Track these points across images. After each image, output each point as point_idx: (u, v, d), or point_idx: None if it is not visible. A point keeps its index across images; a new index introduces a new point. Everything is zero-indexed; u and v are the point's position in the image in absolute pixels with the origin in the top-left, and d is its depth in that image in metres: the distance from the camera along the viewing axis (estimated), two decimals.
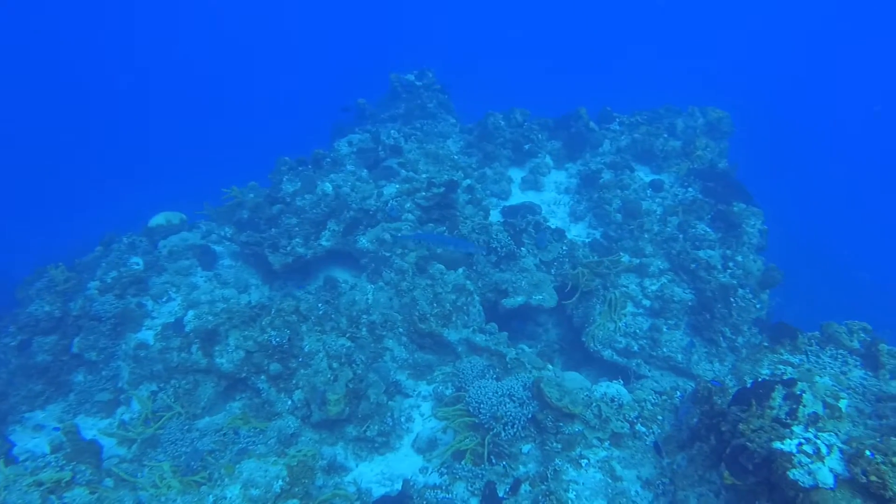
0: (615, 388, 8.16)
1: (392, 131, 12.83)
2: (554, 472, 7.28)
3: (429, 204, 10.71)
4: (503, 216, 11.87)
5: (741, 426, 5.89)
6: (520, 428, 7.82)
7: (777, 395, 6.09)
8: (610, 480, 7.34)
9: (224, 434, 8.11)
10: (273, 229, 11.49)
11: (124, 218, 14.44)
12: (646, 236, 11.31)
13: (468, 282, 10.03)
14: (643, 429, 7.86)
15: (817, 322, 8.62)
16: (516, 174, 13.07)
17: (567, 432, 7.75)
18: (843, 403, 6.16)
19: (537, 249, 10.82)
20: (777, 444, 5.39)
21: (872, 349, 7.94)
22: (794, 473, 5.18)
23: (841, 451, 5.29)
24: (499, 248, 10.42)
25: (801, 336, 8.24)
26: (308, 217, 11.19)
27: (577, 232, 12.07)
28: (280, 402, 8.65)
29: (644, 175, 12.96)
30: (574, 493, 7.11)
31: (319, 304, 9.83)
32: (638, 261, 10.99)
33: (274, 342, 8.71)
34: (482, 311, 10.16)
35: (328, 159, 12.38)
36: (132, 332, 9.79)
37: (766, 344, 8.58)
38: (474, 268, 10.52)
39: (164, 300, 10.44)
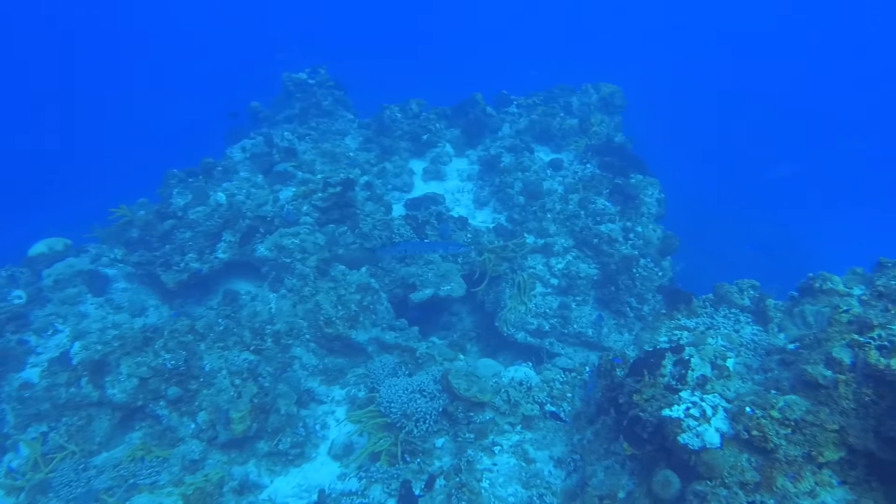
0: (523, 371, 8.23)
1: (286, 133, 12.48)
2: (467, 462, 7.26)
3: (326, 205, 10.48)
4: (407, 209, 11.76)
5: (635, 397, 6.02)
6: (432, 422, 7.76)
7: (667, 363, 6.26)
8: (524, 464, 7.40)
9: (122, 469, 7.68)
10: (168, 246, 10.98)
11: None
12: (549, 216, 11.45)
13: (373, 280, 9.89)
14: (553, 408, 7.96)
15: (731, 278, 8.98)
16: (418, 166, 12.98)
17: (478, 421, 7.75)
18: (730, 362, 6.40)
19: (442, 240, 10.77)
20: (666, 412, 5.54)
21: (761, 305, 8.30)
22: (684, 438, 5.34)
23: (725, 410, 5.49)
24: (402, 243, 10.31)
25: (695, 300, 8.53)
26: (202, 230, 10.75)
27: (483, 218, 12.11)
28: (183, 427, 8.27)
29: (544, 155, 13.14)
30: (488, 481, 7.13)
31: (220, 320, 9.45)
32: (543, 241, 11.12)
33: (169, 365, 8.31)
34: (391, 308, 10.05)
35: (219, 168, 11.92)
36: (14, 371, 9.12)
37: (663, 311, 8.83)
38: (380, 265, 10.38)
39: (49, 334, 9.77)
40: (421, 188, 12.62)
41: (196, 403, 8.41)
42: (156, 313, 11.01)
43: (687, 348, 6.34)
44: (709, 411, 5.42)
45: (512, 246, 10.73)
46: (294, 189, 10.98)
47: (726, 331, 7.94)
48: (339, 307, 9.41)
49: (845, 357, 5.13)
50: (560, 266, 10.91)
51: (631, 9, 66.29)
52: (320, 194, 10.49)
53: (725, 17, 65.16)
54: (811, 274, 7.76)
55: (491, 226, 11.51)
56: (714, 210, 34.78)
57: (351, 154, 11.66)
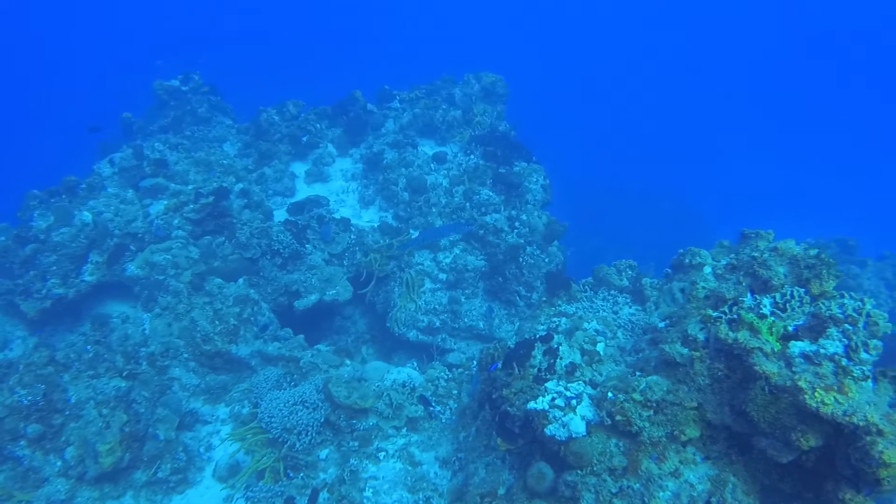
0: (406, 372, 8.22)
1: (156, 143, 11.90)
2: (351, 473, 7.20)
3: (200, 216, 10.09)
4: (289, 214, 11.49)
5: (504, 391, 6.09)
6: (314, 434, 7.64)
7: (537, 353, 6.37)
8: (409, 468, 7.39)
9: None
10: (31, 272, 10.27)
11: None
12: (434, 210, 11.47)
13: (252, 291, 9.62)
14: (438, 408, 7.98)
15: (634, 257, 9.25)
16: (300, 168, 12.71)
17: (362, 428, 7.69)
18: (600, 347, 6.57)
19: (324, 243, 10.59)
20: (532, 405, 5.62)
21: (638, 285, 8.61)
22: (550, 429, 5.43)
23: (590, 397, 5.62)
24: (282, 250, 10.06)
25: (574, 284, 8.76)
26: (67, 252, 10.11)
27: (370, 217, 12.01)
28: (48, 466, 7.78)
29: (430, 149, 13.14)
30: (371, 490, 7.08)
31: (88, 346, 8.95)
32: None
33: (25, 402, 7.78)
34: (274, 317, 9.80)
35: (83, 185, 11.23)
36: None
37: (544, 299, 9.03)
38: (261, 273, 10.11)
39: None
40: (304, 191, 12.37)
41: (63, 439, 7.92)
42: (21, 346, 10.30)
43: (556, 336, 6.48)
44: (573, 400, 5.53)
45: (397, 244, 10.68)
46: (165, 202, 10.51)
47: (605, 313, 8.19)
48: (217, 322, 9.09)
49: (699, 333, 5.35)
50: (448, 260, 10.95)
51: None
52: (192, 206, 10.08)
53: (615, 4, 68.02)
54: (681, 249, 8.08)
55: (376, 224, 11.42)
56: (617, 190, 36.15)
57: (225, 162, 11.24)
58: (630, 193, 35.04)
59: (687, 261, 7.44)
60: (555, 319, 7.81)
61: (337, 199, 12.27)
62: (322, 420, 7.67)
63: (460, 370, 8.73)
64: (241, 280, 9.71)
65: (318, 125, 13.02)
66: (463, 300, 10.62)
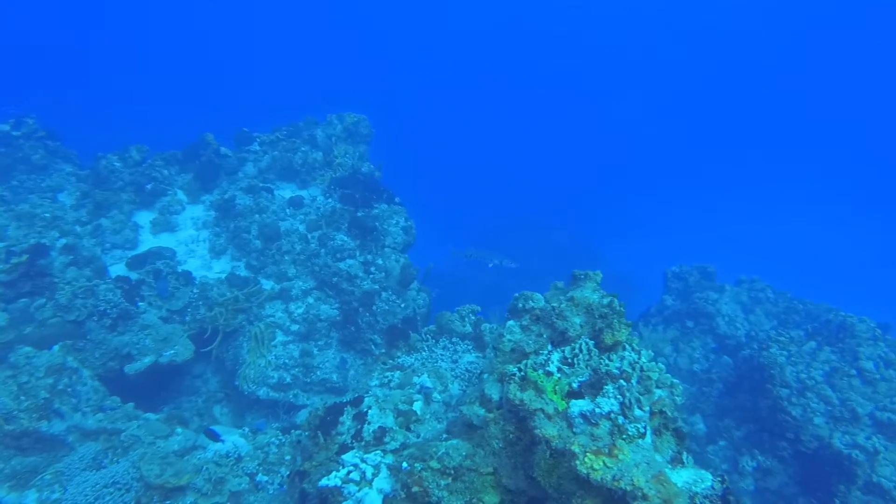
0: (231, 441, 7.61)
1: None
2: None
3: (11, 277, 9.12)
4: (129, 268, 10.65)
5: (306, 464, 5.64)
6: None
7: (346, 418, 5.96)
8: None
9: None
10: None
11: None
12: (287, 258, 10.98)
13: (70, 358, 8.72)
14: (265, 478, 7.40)
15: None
16: (146, 218, 11.87)
17: None
18: (417, 406, 6.23)
19: (161, 300, 9.85)
20: (324, 481, 5.15)
21: (478, 330, 8.40)
22: None
23: (389, 468, 5.22)
24: (109, 310, 9.24)
25: (413, 335, 8.44)
26: None
27: (222, 267, 11.33)
28: None
29: (291, 192, 12.67)
30: None
31: None
32: (279, 286, 10.60)
33: None
34: (100, 385, 8.91)
35: None
36: None
37: (382, 351, 8.68)
38: (88, 337, 9.23)
39: None
40: (150, 242, 11.53)
41: None
42: None
43: (366, 399, 6.10)
44: (369, 472, 5.11)
45: (242, 296, 10.09)
46: None
47: (444, 363, 7.89)
48: (23, 397, 8.14)
49: (494, 393, 5.09)
50: (300, 311, 10.46)
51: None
52: (2, 266, 9.11)
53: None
54: (517, 293, 7.90)
55: (222, 276, 10.77)
56: (515, 224, 36.84)
57: (47, 215, 10.30)
58: (528, 226, 35.75)
59: (521, 305, 7.24)
60: (388, 374, 7.45)
61: (186, 249, 11.52)
62: (132, 503, 6.92)
63: (298, 432, 8.20)
64: (55, 347, 8.80)
65: (166, 171, 12.27)
66: (316, 352, 10.14)
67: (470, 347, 8.33)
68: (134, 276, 10.01)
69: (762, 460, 10.36)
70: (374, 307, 10.38)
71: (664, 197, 51.74)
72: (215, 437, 7.52)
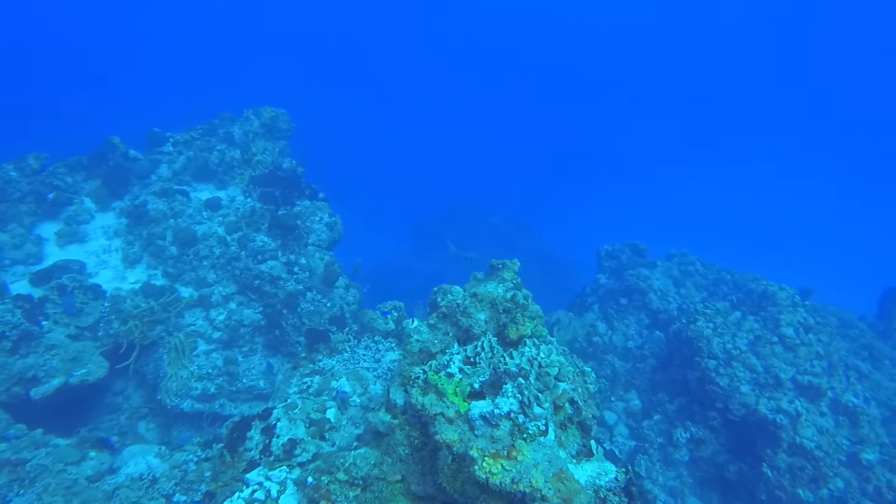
0: (144, 462, 7.26)
1: None
2: None
3: None
4: (32, 285, 10.03)
5: (213, 485, 5.39)
6: None
7: (255, 433, 5.72)
8: None
9: None
10: None
11: None
12: (205, 263, 10.56)
13: None
14: (183, 497, 7.07)
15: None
16: (50, 229, 11.19)
17: None
18: (330, 413, 6.03)
19: (69, 317, 9.33)
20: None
21: (400, 327, 8.22)
22: None
23: (295, 482, 5.02)
24: (8, 332, 8.68)
25: (333, 336, 8.22)
26: None
27: (137, 277, 10.80)
28: None
29: (209, 194, 12.17)
30: None
31: None
32: (198, 293, 10.19)
33: None
34: (2, 413, 8.39)
35: None
36: None
37: (303, 355, 8.43)
38: None
39: None
40: (57, 255, 10.89)
41: None
42: None
43: (275, 410, 5.86)
44: (274, 490, 4.91)
45: (158, 307, 9.64)
46: None
47: (366, 363, 7.71)
48: None
49: (399, 398, 4.93)
50: (221, 317, 10.08)
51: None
52: None
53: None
54: (435, 287, 7.74)
55: (136, 286, 10.27)
56: (453, 212, 36.76)
57: None
58: (466, 213, 35.73)
59: (439, 300, 7.11)
60: (307, 380, 7.23)
61: (98, 260, 10.93)
62: None
63: (221, 445, 7.89)
64: None
65: (70, 179, 11.59)
66: (240, 359, 9.80)
67: (393, 345, 8.17)
68: (38, 293, 9.44)
69: (695, 431, 10.58)
70: (300, 308, 10.09)
71: (601, 177, 52.65)
72: (105, 445, 7.13)
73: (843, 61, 67.09)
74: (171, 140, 13.01)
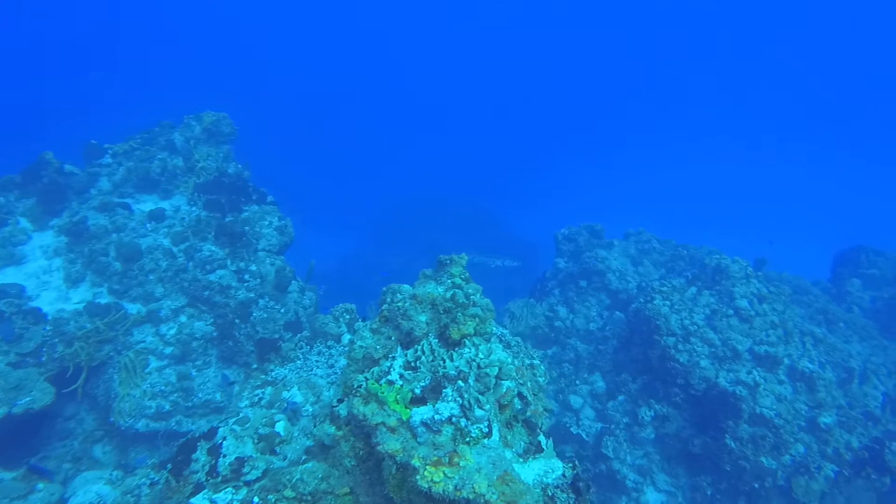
0: (94, 491, 7.05)
1: None
2: None
3: None
4: None
5: None
6: None
7: (200, 454, 5.52)
8: None
9: None
10: None
11: None
12: (152, 277, 10.25)
13: None
14: None
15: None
16: None
17: None
18: (280, 427, 5.86)
19: (6, 344, 8.96)
20: None
21: (353, 330, 8.07)
22: None
23: None
24: None
25: (285, 345, 8.04)
26: None
27: (81, 296, 10.42)
28: None
29: (153, 205, 11.81)
30: None
31: None
32: (146, 308, 9.89)
33: None
34: None
35: None
36: None
37: (255, 366, 8.24)
38: None
39: None
40: None
41: None
42: None
43: (220, 429, 5.68)
44: None
45: (103, 326, 9.33)
46: None
47: (320, 370, 7.56)
48: None
49: (342, 409, 4.80)
50: (172, 332, 9.80)
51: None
52: None
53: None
54: (384, 287, 7.58)
55: (80, 307, 9.92)
56: (417, 204, 36.62)
57: None
58: (429, 204, 35.62)
59: (388, 300, 6.99)
60: (258, 392, 7.07)
61: (38, 281, 10.51)
62: None
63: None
64: None
65: (2, 198, 11.13)
66: (194, 373, 9.54)
67: (346, 350, 8.02)
68: None
69: (658, 408, 10.68)
70: (253, 317, 9.86)
71: (564, 161, 53.06)
72: (42, 474, 6.88)
73: (784, 31, 68.43)
74: (109, 151, 12.58)
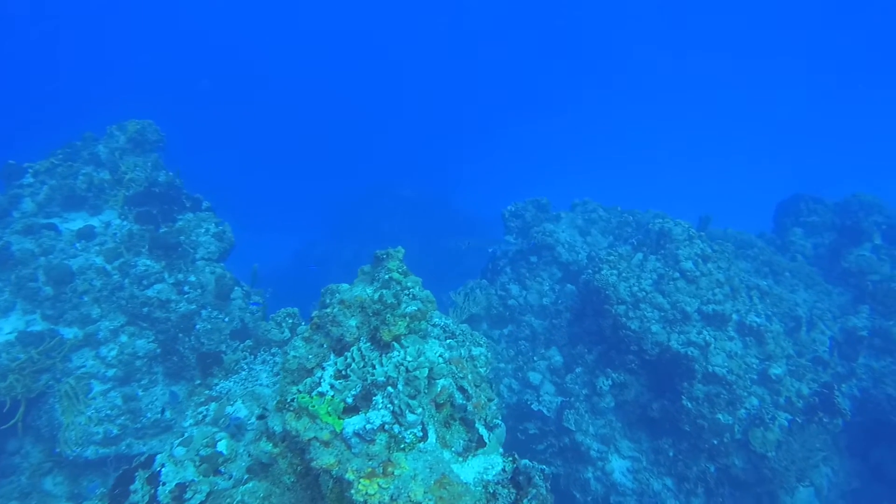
0: None
1: None
2: None
3: None
4: None
5: None
6: None
7: (138, 484, 5.31)
8: None
9: None
10: None
11: None
12: (86, 298, 9.85)
13: None
14: None
15: None
16: None
17: None
18: (221, 445, 5.66)
19: None
20: None
21: (295, 335, 7.87)
22: None
23: None
24: None
25: (226, 356, 7.81)
26: None
27: (13, 326, 9.94)
28: None
29: (81, 222, 11.31)
30: None
31: None
32: (83, 332, 9.51)
33: None
34: None
35: None
36: None
37: (198, 381, 7.99)
38: None
39: None
40: None
41: None
42: None
43: (158, 457, 5.46)
44: None
45: (38, 354, 8.94)
46: None
47: (264, 379, 7.36)
48: None
49: (277, 425, 4.64)
50: (113, 353, 9.47)
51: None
52: None
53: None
54: (323, 288, 7.41)
55: (11, 337, 9.48)
56: (363, 193, 36.24)
57: None
58: (376, 190, 35.26)
59: (327, 300, 6.81)
60: (202, 409, 6.80)
61: None
62: None
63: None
64: None
65: None
66: (140, 393, 9.26)
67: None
68: None
69: (616, 377, 10.79)
70: (196, 328, 9.58)
71: (507, 138, 53.09)
72: None
73: None
74: (30, 171, 11.99)
